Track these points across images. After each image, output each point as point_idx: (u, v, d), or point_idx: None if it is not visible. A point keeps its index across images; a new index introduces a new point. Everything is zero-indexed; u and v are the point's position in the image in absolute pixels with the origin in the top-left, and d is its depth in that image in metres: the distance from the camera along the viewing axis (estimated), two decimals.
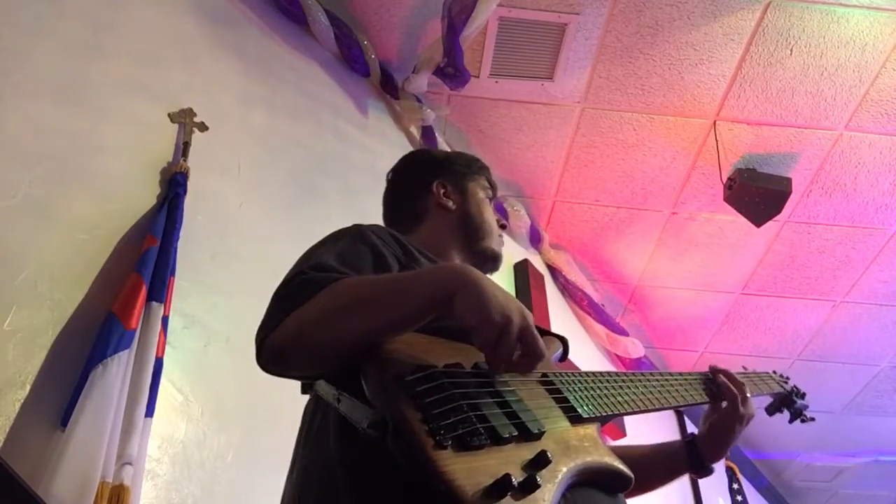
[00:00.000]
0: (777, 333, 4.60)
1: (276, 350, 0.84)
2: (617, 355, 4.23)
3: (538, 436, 0.79)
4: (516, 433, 0.77)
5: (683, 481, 4.25)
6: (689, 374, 1.29)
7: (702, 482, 4.32)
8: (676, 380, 1.23)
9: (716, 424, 1.25)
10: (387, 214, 1.38)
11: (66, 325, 1.47)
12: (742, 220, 3.51)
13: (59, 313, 1.48)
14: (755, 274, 4.23)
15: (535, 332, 0.82)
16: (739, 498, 4.38)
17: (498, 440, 0.74)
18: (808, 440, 5.34)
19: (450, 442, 0.70)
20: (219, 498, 1.59)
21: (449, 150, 3.36)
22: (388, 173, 1.41)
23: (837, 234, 3.96)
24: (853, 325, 4.48)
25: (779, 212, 3.42)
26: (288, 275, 0.92)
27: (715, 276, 4.27)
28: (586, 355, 3.88)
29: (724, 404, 1.27)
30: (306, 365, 0.86)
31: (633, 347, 4.18)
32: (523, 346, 0.81)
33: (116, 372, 1.40)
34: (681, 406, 1.20)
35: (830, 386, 4.87)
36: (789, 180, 3.41)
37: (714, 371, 1.32)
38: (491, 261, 1.28)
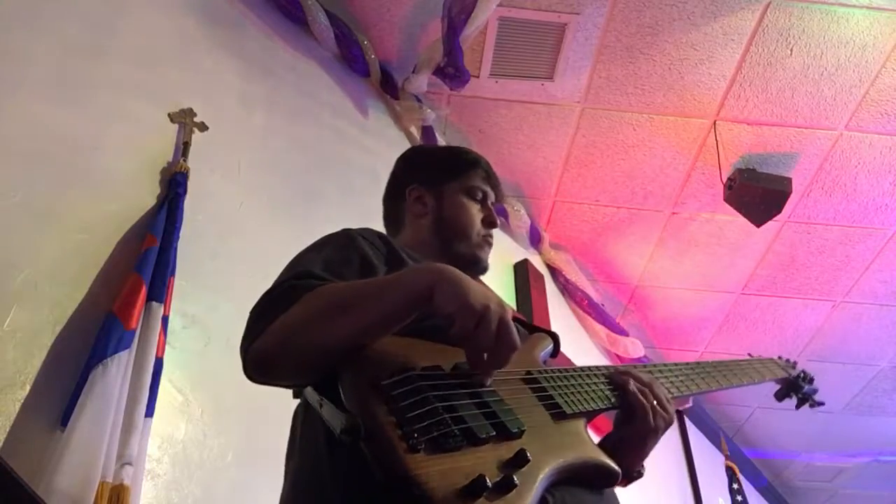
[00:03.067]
0: (777, 333, 4.60)
1: (260, 358, 0.84)
2: (617, 355, 4.23)
3: (518, 435, 0.78)
4: (494, 433, 0.76)
5: (683, 481, 4.25)
6: (685, 364, 1.28)
7: (702, 482, 4.32)
8: (672, 371, 1.22)
9: (627, 435, 1.02)
10: (383, 218, 1.39)
11: (66, 325, 1.47)
12: (742, 220, 3.51)
13: (59, 313, 1.48)
14: (755, 274, 4.23)
15: (511, 323, 0.81)
16: (739, 498, 4.38)
17: (475, 441, 0.73)
18: (808, 440, 5.35)
19: (423, 445, 0.69)
20: (219, 498, 1.59)
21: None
22: None
23: (837, 234, 3.96)
24: (853, 325, 4.48)
25: (779, 212, 3.42)
26: (273, 284, 0.93)
27: (715, 276, 4.27)
28: (586, 355, 3.88)
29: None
30: (291, 372, 0.86)
31: (633, 347, 4.18)
32: (498, 337, 0.79)
33: (116, 372, 1.40)
34: (674, 398, 1.17)
35: (830, 386, 4.87)
36: (789, 180, 3.41)
37: (620, 374, 1.05)
38: (471, 265, 1.21)
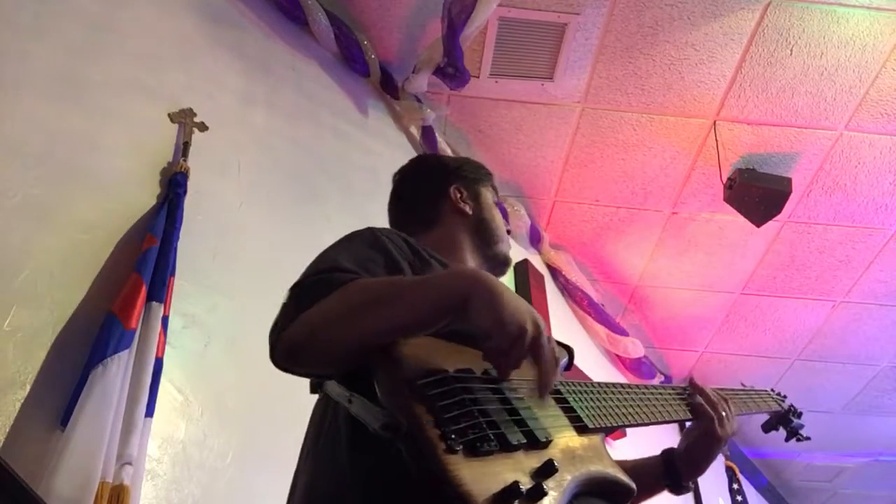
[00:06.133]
0: (777, 333, 4.60)
1: (289, 347, 0.85)
2: (617, 355, 4.23)
3: (545, 444, 0.80)
4: (525, 441, 0.77)
5: None
6: (683, 387, 1.29)
7: (702, 482, 4.30)
8: (680, 395, 1.24)
9: (693, 444, 1.21)
10: (396, 217, 1.37)
11: (66, 325, 1.47)
12: (742, 220, 3.51)
13: (59, 313, 1.48)
14: (755, 274, 4.23)
15: (546, 341, 0.81)
16: (739, 498, 4.38)
17: (507, 447, 0.75)
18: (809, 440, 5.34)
19: (460, 447, 0.70)
20: (219, 498, 1.59)
21: (449, 150, 3.37)
22: (395, 175, 1.40)
23: (837, 234, 3.96)
24: (853, 325, 4.48)
25: (779, 212, 3.42)
26: (303, 275, 0.93)
27: (715, 276, 4.27)
28: (586, 355, 3.88)
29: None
30: (318, 362, 0.86)
31: (633, 347, 4.18)
32: (534, 356, 0.80)
33: (116, 372, 1.40)
34: (685, 420, 1.21)
35: (830, 386, 4.87)
36: (789, 180, 3.41)
37: (692, 389, 1.25)
38: (502, 265, 1.30)
